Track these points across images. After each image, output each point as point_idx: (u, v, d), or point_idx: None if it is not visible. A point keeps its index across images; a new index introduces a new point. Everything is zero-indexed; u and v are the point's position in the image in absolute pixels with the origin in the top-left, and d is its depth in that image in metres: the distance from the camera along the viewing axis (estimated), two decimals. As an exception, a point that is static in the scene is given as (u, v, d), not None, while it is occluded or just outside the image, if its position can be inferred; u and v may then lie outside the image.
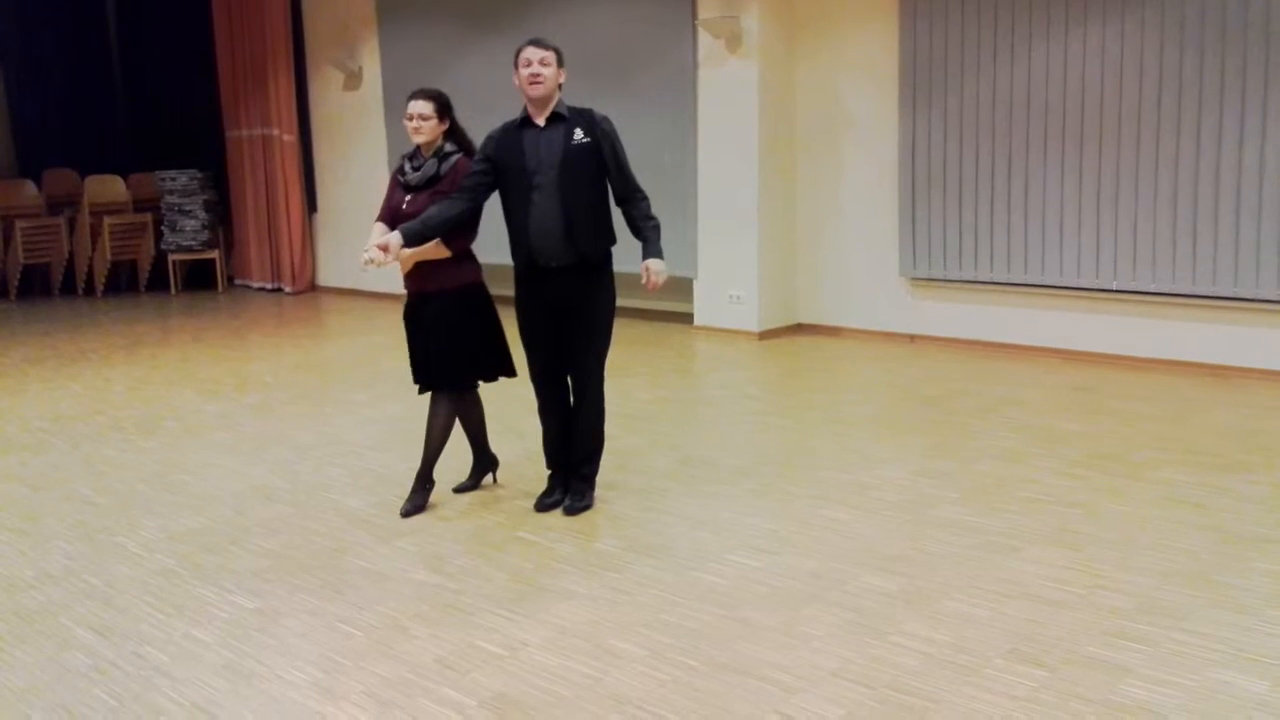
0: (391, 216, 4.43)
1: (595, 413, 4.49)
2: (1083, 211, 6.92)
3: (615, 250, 4.45)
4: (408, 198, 4.43)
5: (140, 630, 3.55)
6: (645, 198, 4.39)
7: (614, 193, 4.36)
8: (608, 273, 4.41)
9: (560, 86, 4.29)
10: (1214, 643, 3.21)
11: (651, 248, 4.35)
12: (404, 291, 4.60)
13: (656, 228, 4.37)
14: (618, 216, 4.40)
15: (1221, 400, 6.00)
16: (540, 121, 4.27)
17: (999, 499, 4.50)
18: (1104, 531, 4.11)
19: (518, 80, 4.24)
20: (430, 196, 4.35)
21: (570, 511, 4.47)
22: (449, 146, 4.44)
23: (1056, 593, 3.58)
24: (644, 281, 4.33)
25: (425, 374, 4.56)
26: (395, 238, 4.15)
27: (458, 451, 4.79)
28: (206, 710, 3.02)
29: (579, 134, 4.24)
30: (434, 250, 4.33)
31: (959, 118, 7.37)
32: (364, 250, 4.17)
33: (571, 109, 4.31)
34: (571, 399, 4.49)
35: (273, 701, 3.06)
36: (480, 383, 4.64)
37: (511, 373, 4.65)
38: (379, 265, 4.14)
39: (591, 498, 4.56)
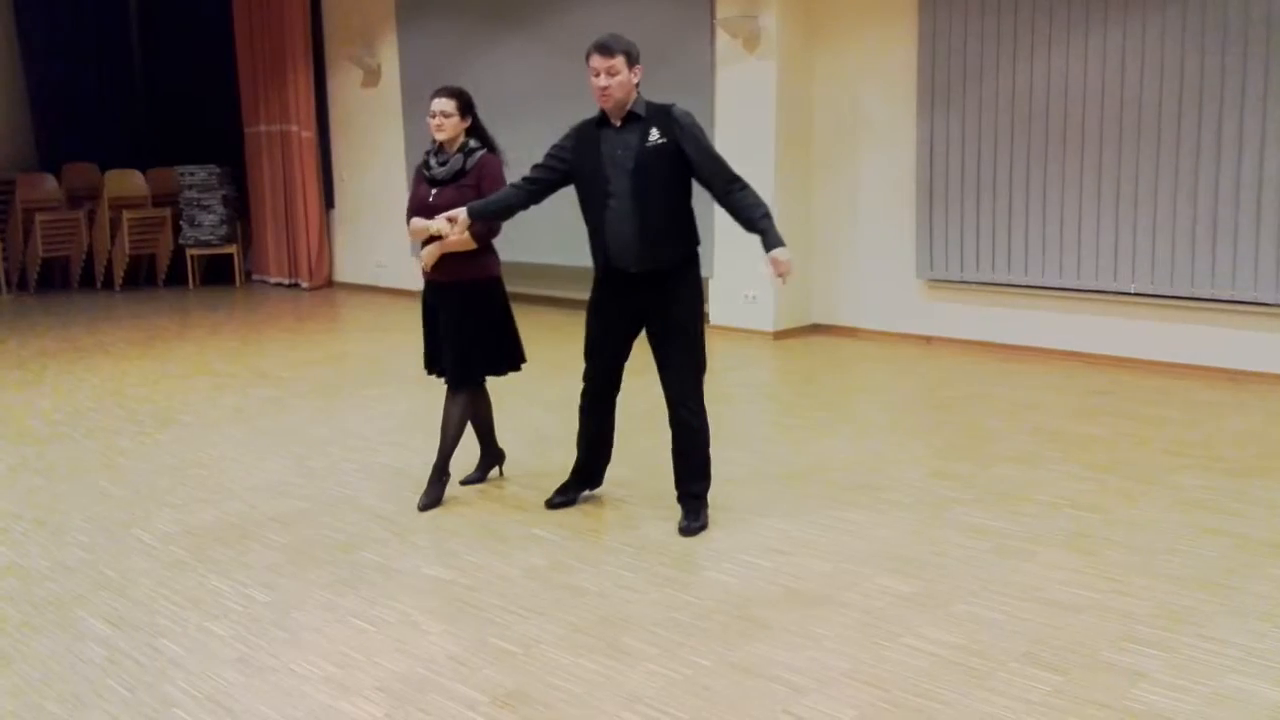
0: (419, 211, 4.46)
1: (694, 433, 4.23)
2: (1101, 214, 6.88)
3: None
4: (434, 192, 4.46)
5: (154, 622, 3.56)
6: (746, 185, 4.07)
7: (709, 189, 4.08)
8: (691, 278, 4.17)
9: (637, 86, 4.10)
10: (1230, 649, 3.18)
11: (771, 237, 4.00)
12: (419, 288, 4.61)
13: (768, 215, 4.03)
14: (702, 220, 4.20)
15: (1240, 405, 5.96)
16: (616, 122, 4.11)
17: (1014, 502, 4.48)
18: (1120, 536, 4.08)
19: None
20: (457, 190, 4.39)
21: (686, 532, 4.20)
22: (473, 143, 4.49)
23: (1071, 597, 3.56)
24: (774, 274, 4.02)
25: (437, 363, 4.63)
26: (461, 211, 4.19)
27: (468, 445, 4.79)
28: (219, 703, 3.03)
29: (654, 135, 4.04)
30: (460, 242, 4.34)
31: (978, 119, 7.34)
32: (431, 221, 4.23)
33: (650, 106, 4.12)
34: (668, 413, 4.24)
35: (285, 695, 3.07)
36: (487, 378, 4.66)
37: (518, 366, 4.66)
38: (447, 235, 4.22)
39: (705, 517, 4.28)
